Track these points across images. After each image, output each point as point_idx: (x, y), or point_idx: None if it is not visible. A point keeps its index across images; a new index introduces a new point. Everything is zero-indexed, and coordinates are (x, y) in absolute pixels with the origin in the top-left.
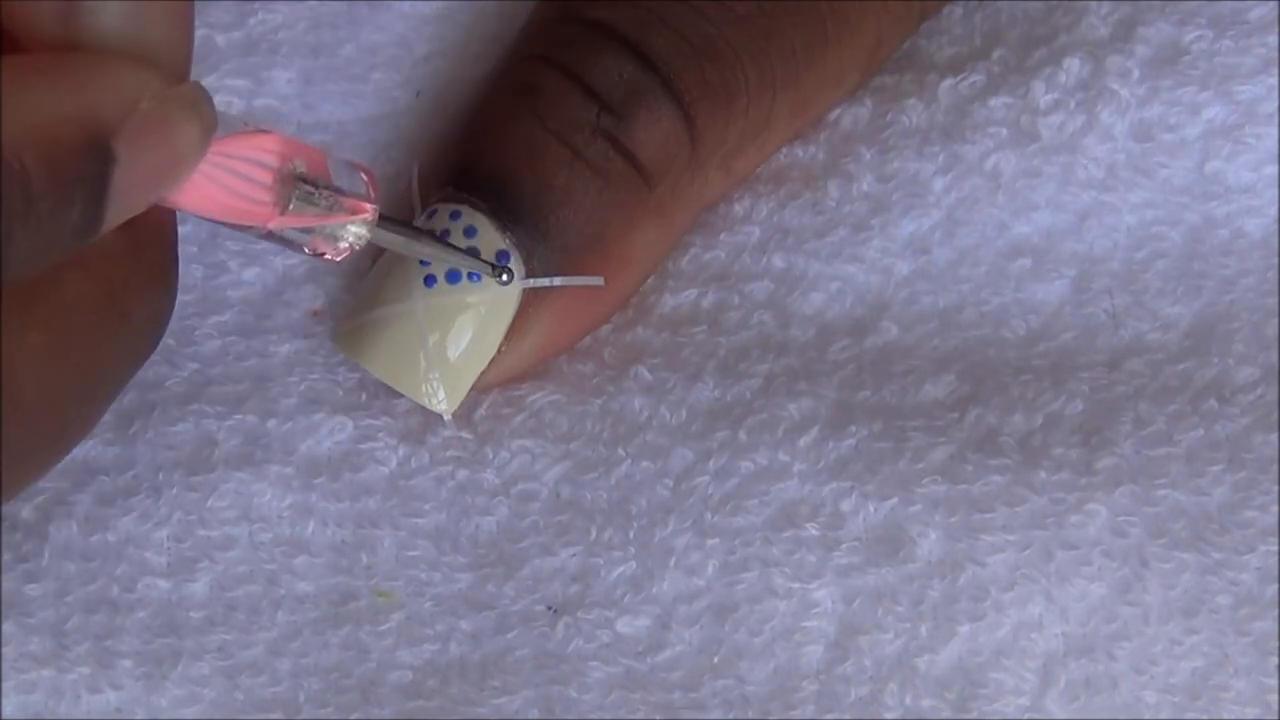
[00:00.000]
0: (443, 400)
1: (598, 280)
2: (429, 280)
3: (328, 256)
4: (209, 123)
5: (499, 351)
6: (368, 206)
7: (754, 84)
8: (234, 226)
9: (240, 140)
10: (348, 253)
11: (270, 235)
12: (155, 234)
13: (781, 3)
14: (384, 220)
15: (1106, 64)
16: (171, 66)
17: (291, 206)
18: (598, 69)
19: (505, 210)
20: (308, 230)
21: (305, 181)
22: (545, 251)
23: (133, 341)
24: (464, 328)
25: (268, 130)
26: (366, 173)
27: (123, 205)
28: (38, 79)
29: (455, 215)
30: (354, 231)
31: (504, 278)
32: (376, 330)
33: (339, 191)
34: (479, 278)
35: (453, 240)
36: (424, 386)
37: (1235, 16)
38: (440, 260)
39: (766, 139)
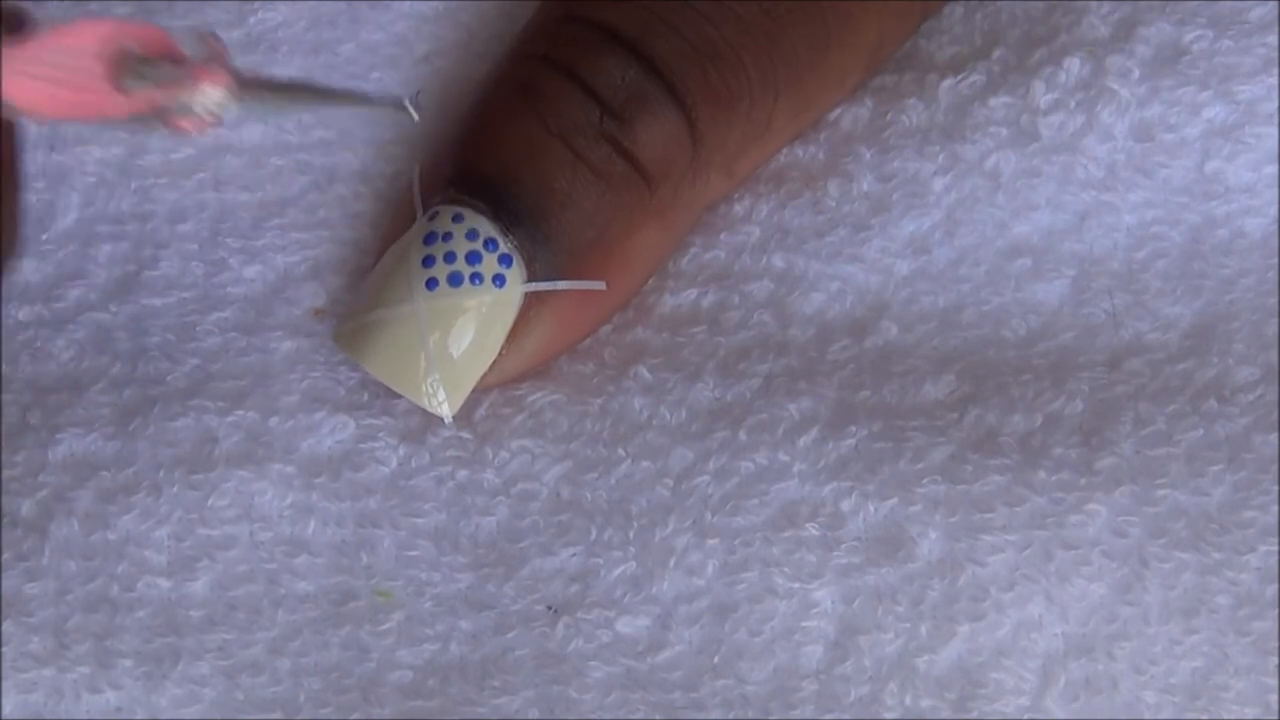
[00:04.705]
0: (443, 402)
1: (599, 284)
2: (430, 283)
3: (193, 132)
4: None
5: (500, 354)
6: (219, 71)
7: (756, 86)
8: (89, 122)
9: (60, 35)
10: (212, 121)
11: (131, 121)
12: None
13: (783, 4)
14: (241, 81)
15: (1106, 64)
16: None
17: (131, 85)
18: (600, 71)
19: (506, 212)
20: (165, 109)
21: (140, 61)
22: (546, 254)
23: None
24: (465, 330)
25: (90, 20)
26: (216, 39)
27: None
28: None
29: (458, 218)
30: (209, 97)
31: (409, 106)
32: (377, 331)
33: (179, 62)
34: (480, 280)
35: (455, 242)
36: (424, 388)
37: (1235, 16)
38: (322, 105)
39: (768, 141)
